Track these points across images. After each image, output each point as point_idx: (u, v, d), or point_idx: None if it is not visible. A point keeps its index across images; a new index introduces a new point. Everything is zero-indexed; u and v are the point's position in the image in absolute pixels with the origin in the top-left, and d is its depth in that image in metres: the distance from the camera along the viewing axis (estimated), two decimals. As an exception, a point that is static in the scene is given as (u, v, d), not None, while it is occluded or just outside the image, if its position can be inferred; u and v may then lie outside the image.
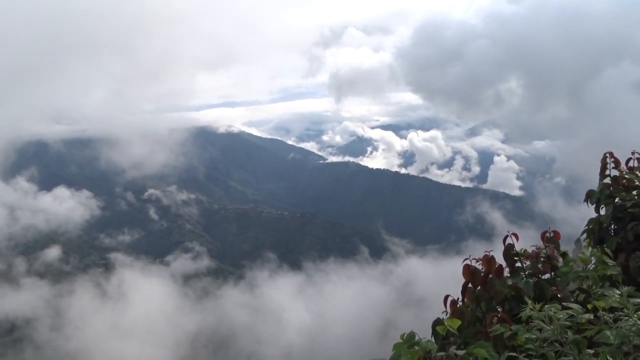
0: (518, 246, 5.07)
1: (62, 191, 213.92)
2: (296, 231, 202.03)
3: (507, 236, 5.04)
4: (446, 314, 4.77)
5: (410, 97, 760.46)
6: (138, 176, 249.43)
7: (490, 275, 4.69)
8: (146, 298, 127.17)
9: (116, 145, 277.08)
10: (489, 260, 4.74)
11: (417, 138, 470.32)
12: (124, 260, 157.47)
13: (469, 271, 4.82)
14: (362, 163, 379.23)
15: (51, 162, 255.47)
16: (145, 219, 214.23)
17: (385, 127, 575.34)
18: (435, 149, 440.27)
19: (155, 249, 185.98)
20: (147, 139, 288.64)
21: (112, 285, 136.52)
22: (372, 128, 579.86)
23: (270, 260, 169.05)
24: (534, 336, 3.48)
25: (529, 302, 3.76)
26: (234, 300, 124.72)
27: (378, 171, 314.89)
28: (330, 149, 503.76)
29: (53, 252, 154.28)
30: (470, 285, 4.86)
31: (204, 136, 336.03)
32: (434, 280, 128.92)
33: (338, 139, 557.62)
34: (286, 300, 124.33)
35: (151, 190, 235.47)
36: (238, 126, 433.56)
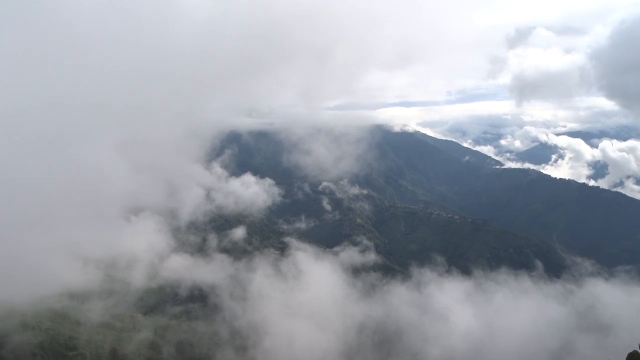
0: None
1: (248, 178, 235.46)
2: (466, 236, 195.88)
3: None
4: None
5: (604, 103, 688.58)
6: (315, 169, 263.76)
7: None
8: (316, 283, 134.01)
9: (298, 139, 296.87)
10: None
11: (612, 148, 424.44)
12: (298, 246, 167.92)
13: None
14: (544, 171, 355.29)
15: (241, 152, 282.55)
16: (319, 209, 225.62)
17: (573, 134, 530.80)
18: (634, 161, 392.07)
19: (326, 238, 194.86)
20: (326, 134, 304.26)
21: (287, 267, 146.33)
22: (558, 134, 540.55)
23: (438, 263, 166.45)
24: None
25: None
26: (400, 298, 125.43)
27: (562, 181, 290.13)
28: (508, 154, 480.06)
29: (239, 232, 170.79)
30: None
31: (379, 134, 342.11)
32: (624, 306, 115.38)
33: (518, 144, 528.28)
34: (453, 304, 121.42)
35: (326, 183, 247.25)
36: (413, 126, 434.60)
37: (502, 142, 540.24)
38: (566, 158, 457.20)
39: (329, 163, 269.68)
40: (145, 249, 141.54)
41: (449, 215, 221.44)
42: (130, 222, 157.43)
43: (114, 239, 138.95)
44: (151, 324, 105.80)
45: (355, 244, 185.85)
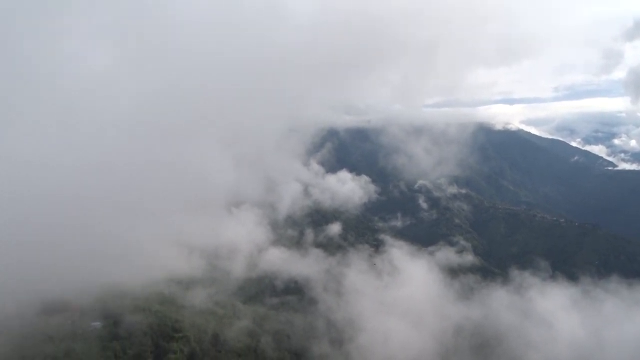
0: None
1: (345, 175, 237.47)
2: (573, 241, 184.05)
3: None
4: None
5: None
6: (412, 167, 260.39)
7: None
8: (412, 282, 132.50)
9: (395, 137, 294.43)
10: None
11: None
12: (393, 244, 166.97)
13: None
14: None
15: (338, 149, 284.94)
16: (416, 208, 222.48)
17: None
18: None
19: (422, 237, 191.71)
20: (425, 132, 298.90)
21: (382, 264, 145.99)
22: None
23: (541, 267, 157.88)
24: None
25: None
26: (500, 301, 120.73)
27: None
28: (622, 155, 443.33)
29: (335, 228, 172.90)
30: None
31: (480, 133, 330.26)
32: None
33: (634, 144, 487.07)
34: (558, 311, 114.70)
35: (422, 182, 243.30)
36: (516, 124, 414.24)
37: (616, 141, 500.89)
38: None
39: (427, 161, 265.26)
40: (246, 241, 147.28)
41: (554, 218, 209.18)
42: (231, 214, 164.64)
43: (217, 230, 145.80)
44: (250, 313, 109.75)
45: (452, 244, 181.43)
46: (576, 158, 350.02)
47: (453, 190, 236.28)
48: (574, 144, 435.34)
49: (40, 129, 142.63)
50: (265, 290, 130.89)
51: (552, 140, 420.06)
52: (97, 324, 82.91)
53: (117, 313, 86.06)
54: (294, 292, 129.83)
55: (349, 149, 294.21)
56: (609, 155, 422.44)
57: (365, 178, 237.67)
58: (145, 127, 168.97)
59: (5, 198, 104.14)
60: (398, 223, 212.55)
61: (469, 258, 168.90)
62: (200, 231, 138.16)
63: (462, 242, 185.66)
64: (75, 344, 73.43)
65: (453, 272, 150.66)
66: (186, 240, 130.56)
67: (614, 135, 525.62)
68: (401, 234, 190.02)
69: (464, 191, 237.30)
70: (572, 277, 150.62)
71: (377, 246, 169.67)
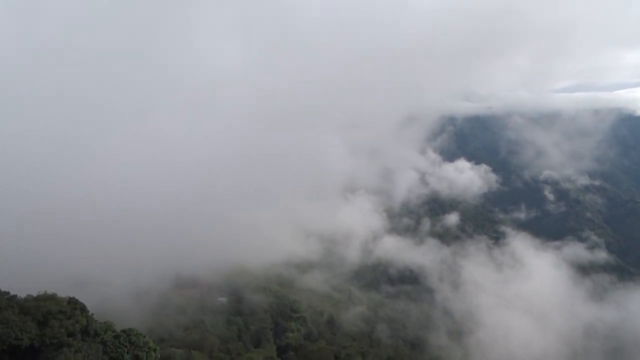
0: None
1: (462, 163, 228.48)
2: None
3: None
4: None
5: None
6: (536, 156, 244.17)
7: None
8: (535, 277, 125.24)
9: (518, 124, 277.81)
10: None
11: None
12: (514, 236, 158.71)
13: None
14: None
15: (457, 136, 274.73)
16: (541, 200, 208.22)
17: None
18: None
19: (547, 231, 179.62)
20: (552, 119, 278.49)
21: (502, 257, 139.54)
22: None
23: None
24: None
25: None
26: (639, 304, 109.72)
27: None
28: None
29: (452, 218, 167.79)
30: None
31: (617, 119, 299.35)
32: None
33: None
34: None
35: (548, 172, 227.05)
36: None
37: None
38: None
39: (554, 150, 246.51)
40: (361, 227, 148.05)
41: None
42: (347, 200, 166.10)
43: (333, 216, 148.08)
44: (366, 299, 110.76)
45: (581, 239, 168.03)
46: None
47: (584, 181, 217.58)
48: None
49: (171, 123, 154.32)
50: (380, 278, 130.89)
51: None
52: (223, 299, 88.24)
53: (241, 290, 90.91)
54: (409, 280, 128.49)
55: (467, 137, 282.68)
56: None
57: (484, 167, 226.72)
58: (269, 118, 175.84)
59: (147, 189, 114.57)
60: (521, 215, 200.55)
61: (602, 255, 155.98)
62: (317, 216, 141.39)
63: (594, 238, 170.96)
64: (204, 316, 78.62)
65: (583, 269, 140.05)
66: (304, 225, 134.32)
67: None
68: (524, 227, 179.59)
69: (596, 183, 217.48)
70: None
71: (497, 238, 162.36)
